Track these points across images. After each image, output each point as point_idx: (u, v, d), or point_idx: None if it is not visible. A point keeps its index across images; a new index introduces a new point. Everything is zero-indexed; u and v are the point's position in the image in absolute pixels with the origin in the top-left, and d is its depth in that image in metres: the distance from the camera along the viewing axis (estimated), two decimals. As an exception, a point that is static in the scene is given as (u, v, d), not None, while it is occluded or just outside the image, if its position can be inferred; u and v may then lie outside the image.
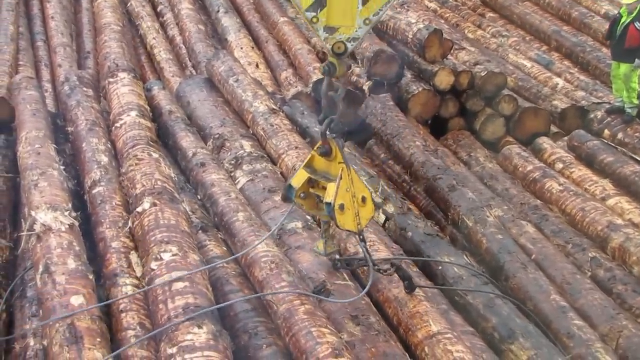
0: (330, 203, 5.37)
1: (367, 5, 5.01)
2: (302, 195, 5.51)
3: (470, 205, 7.81)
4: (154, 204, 5.93)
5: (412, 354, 5.37)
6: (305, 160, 5.44)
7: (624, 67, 9.48)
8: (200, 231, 6.47)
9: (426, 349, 5.27)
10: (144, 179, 6.32)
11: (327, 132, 5.36)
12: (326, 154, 5.43)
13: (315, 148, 5.44)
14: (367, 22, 5.06)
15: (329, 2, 4.98)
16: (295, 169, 7.24)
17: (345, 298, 5.63)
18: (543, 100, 11.24)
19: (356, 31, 5.07)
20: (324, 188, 5.46)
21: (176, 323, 4.77)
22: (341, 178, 5.36)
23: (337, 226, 5.44)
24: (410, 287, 5.78)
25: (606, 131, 9.86)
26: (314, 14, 5.00)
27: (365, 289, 5.52)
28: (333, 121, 5.32)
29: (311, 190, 5.55)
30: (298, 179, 5.44)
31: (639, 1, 9.18)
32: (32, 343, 5.40)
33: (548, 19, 14.06)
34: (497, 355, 5.94)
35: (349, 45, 5.10)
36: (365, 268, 5.94)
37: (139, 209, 5.96)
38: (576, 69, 12.55)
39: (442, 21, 13.85)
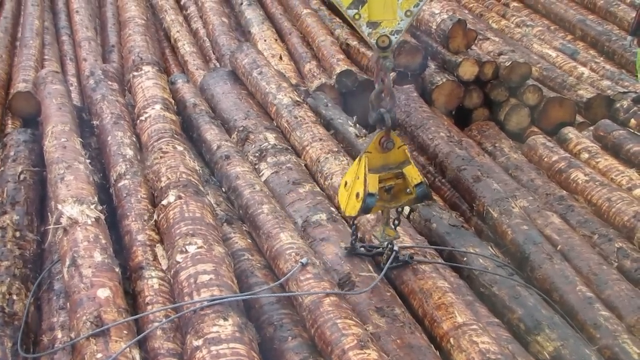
0: (422, 182, 5.47)
1: None
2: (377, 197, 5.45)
3: (495, 196, 7.78)
4: (179, 197, 5.95)
5: (437, 345, 5.36)
6: (366, 166, 5.34)
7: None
8: (225, 223, 6.49)
9: (452, 340, 5.26)
10: (169, 172, 6.34)
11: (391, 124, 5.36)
12: (392, 146, 5.40)
13: (368, 149, 5.38)
14: (409, 14, 5.10)
15: None
16: (319, 160, 7.28)
17: (370, 290, 5.64)
18: (568, 90, 11.18)
19: (399, 24, 5.11)
20: (389, 179, 5.48)
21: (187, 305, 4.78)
22: (410, 158, 5.46)
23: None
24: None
25: (632, 120, 9.78)
26: (355, 11, 5.04)
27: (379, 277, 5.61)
28: (392, 112, 5.32)
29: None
30: (373, 184, 5.34)
31: None
32: (59, 335, 5.46)
33: (573, 8, 13.98)
34: (523, 347, 5.91)
35: (392, 38, 5.12)
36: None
37: (164, 202, 5.98)
38: (602, 58, 12.47)
39: (466, 11, 13.82)
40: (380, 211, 5.78)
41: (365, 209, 5.41)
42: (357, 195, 5.40)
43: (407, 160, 5.50)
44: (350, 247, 6.00)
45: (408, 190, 5.54)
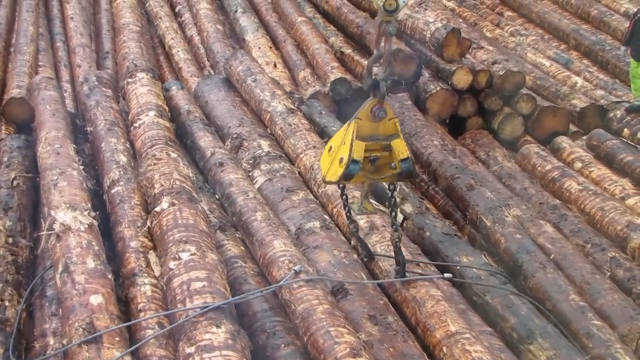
0: (408, 158, 5.33)
1: None
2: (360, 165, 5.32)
3: (489, 204, 7.78)
4: (173, 204, 5.94)
5: (430, 354, 5.36)
6: (354, 132, 5.22)
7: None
8: (218, 230, 6.49)
9: (444, 349, 5.26)
10: (163, 179, 6.33)
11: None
12: (384, 115, 5.30)
13: (358, 116, 5.26)
14: None
15: None
16: (313, 167, 7.28)
17: (363, 296, 5.63)
18: (562, 99, 11.19)
19: None
20: (375, 150, 5.35)
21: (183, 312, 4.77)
22: (400, 132, 5.34)
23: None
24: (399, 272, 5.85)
25: (626, 130, 9.80)
26: None
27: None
28: (387, 80, 5.25)
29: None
30: (359, 151, 5.21)
31: None
32: (51, 342, 5.44)
33: (567, 18, 14.01)
34: (515, 356, 5.91)
35: (400, 2, 5.05)
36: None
37: (158, 209, 5.98)
38: (595, 68, 12.50)
39: (460, 20, 13.83)
40: (361, 183, 5.69)
41: (347, 176, 5.27)
42: (341, 160, 5.27)
43: (397, 133, 5.37)
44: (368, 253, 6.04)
45: (393, 164, 5.40)
